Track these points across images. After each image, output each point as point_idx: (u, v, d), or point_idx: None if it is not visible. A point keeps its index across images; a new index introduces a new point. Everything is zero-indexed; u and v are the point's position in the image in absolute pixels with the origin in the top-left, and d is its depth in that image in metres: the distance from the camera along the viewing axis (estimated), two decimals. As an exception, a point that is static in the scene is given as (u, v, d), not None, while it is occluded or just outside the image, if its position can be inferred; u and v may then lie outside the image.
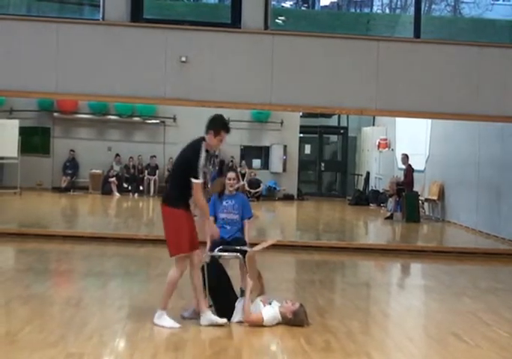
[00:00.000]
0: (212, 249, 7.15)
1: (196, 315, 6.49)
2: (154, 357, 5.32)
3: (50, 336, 5.72)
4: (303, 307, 6.47)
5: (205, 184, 6.78)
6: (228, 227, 7.39)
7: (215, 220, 7.44)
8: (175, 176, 6.56)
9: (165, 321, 6.22)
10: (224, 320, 6.32)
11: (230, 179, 7.46)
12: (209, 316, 6.31)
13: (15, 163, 19.30)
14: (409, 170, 16.64)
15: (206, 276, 6.46)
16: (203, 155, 6.25)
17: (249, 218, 7.53)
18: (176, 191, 6.38)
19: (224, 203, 7.44)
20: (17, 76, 10.94)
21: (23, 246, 10.86)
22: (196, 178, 6.18)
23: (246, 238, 7.40)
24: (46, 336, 5.70)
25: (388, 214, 16.93)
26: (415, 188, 16.74)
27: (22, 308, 6.72)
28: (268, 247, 7.07)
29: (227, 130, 6.47)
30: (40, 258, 9.92)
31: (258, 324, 6.31)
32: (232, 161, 21.36)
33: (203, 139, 6.40)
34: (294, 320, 6.36)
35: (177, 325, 6.20)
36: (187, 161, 6.30)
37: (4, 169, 20.36)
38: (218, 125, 6.44)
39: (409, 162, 16.73)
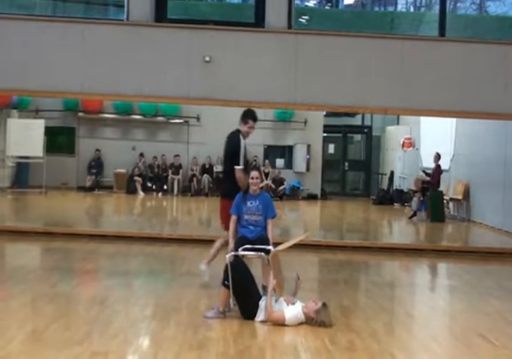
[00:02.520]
0: (236, 248, 7.17)
1: (220, 315, 6.52)
2: (178, 356, 5.35)
3: (76, 334, 5.78)
4: (327, 307, 6.46)
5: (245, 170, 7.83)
6: (252, 228, 7.41)
7: (239, 220, 7.46)
8: (228, 171, 7.81)
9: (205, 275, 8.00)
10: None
11: (253, 178, 7.43)
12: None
13: (41, 163, 19.49)
14: (438, 170, 16.51)
15: (230, 275, 6.48)
16: (242, 143, 7.73)
17: (273, 218, 7.53)
18: (232, 184, 7.69)
19: (248, 203, 7.42)
20: (43, 77, 11.04)
21: (49, 245, 10.97)
22: (238, 165, 7.65)
23: (270, 238, 7.41)
24: (72, 335, 5.76)
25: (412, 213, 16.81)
26: (440, 188, 16.61)
27: (48, 306, 6.79)
28: (292, 245, 7.08)
29: (254, 119, 7.81)
30: (66, 257, 10.02)
31: (280, 324, 6.32)
32: (255, 160, 21.36)
33: (238, 130, 7.82)
34: (317, 319, 6.35)
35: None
36: (232, 152, 7.74)
37: (30, 168, 20.57)
38: (246, 115, 7.82)
39: (439, 162, 16.61)
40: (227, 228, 7.66)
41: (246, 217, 7.41)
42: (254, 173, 7.46)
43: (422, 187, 16.72)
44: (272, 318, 6.35)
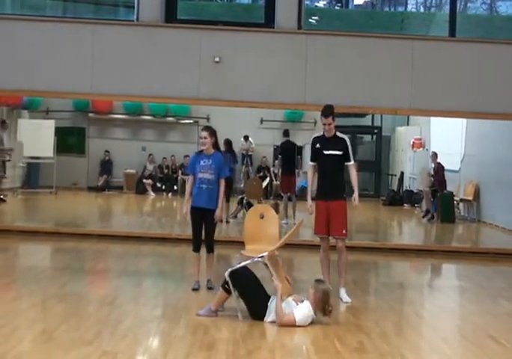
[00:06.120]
0: (191, 219, 7.79)
1: (212, 314, 6.54)
2: (188, 356, 5.35)
3: (85, 334, 5.79)
4: (324, 289, 6.46)
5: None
6: (204, 187, 7.67)
7: (194, 179, 7.78)
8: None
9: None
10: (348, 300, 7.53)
11: (201, 138, 7.74)
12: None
13: (51, 163, 19.56)
14: (440, 168, 16.48)
15: (232, 285, 6.48)
16: (312, 142, 7.88)
17: (224, 177, 7.90)
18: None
19: (201, 162, 7.72)
20: (53, 77, 11.09)
21: (59, 245, 11.01)
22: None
23: (220, 198, 7.78)
24: (82, 335, 5.76)
25: (423, 215, 16.69)
26: (450, 188, 16.58)
27: (58, 306, 6.82)
28: (287, 242, 7.10)
29: (322, 115, 7.69)
30: (76, 257, 10.04)
31: (291, 325, 6.30)
32: (267, 164, 21.37)
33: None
34: (322, 299, 6.35)
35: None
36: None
37: (40, 169, 20.63)
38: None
39: (438, 160, 16.59)
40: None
41: (200, 175, 7.71)
42: (202, 133, 7.76)
43: (432, 190, 16.63)
44: (282, 323, 6.30)
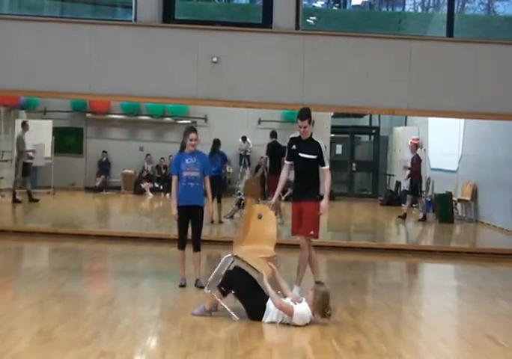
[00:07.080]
0: (178, 219, 8.02)
1: (206, 313, 6.56)
2: (186, 356, 5.35)
3: (84, 334, 5.79)
4: (323, 292, 6.47)
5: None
6: (192, 185, 7.86)
7: (179, 179, 7.93)
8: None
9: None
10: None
11: (192, 140, 7.91)
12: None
13: (49, 163, 19.54)
14: (417, 160, 16.50)
15: (225, 283, 6.53)
16: (288, 144, 7.86)
17: (208, 175, 8.14)
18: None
19: (186, 161, 7.89)
20: (51, 77, 11.08)
21: (57, 245, 11.00)
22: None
23: (209, 195, 8.21)
24: (80, 335, 5.76)
25: (421, 215, 16.69)
26: (448, 189, 16.58)
27: (56, 306, 6.82)
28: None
29: (298, 117, 7.68)
30: (74, 257, 10.04)
31: (288, 313, 6.33)
32: (263, 162, 21.33)
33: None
34: (321, 301, 6.37)
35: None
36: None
37: (38, 169, 20.58)
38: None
39: (417, 152, 16.64)
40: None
41: (186, 174, 7.87)
42: (193, 135, 7.95)
43: (411, 185, 16.68)
44: (281, 307, 6.35)
